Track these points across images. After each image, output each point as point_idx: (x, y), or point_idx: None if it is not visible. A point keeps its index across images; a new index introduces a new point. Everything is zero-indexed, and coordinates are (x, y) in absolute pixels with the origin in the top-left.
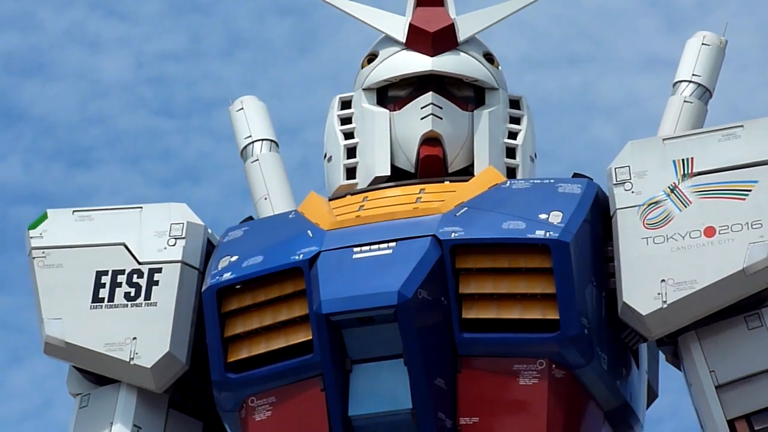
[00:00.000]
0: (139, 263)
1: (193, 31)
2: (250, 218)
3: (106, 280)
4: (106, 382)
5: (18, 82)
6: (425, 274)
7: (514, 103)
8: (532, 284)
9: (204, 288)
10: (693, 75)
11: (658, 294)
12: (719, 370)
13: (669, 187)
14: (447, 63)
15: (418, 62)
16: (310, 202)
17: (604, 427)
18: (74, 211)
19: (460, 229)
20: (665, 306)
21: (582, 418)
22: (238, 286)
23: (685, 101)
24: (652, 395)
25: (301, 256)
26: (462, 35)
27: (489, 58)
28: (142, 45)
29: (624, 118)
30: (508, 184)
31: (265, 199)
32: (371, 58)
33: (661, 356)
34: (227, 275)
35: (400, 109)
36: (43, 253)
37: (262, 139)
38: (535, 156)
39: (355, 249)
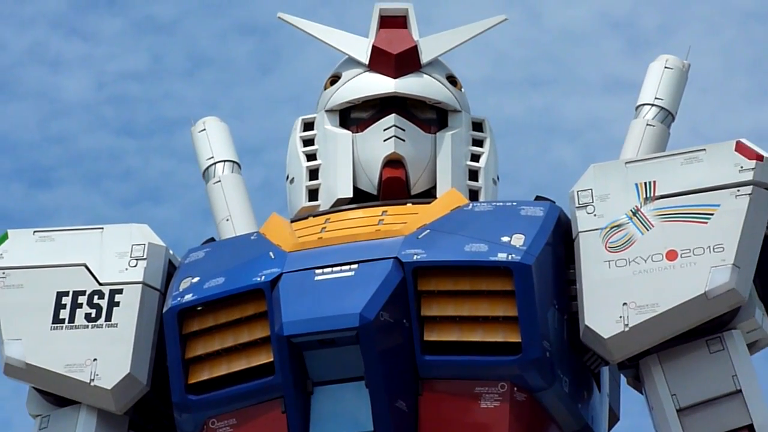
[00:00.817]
0: (100, 284)
1: (154, 51)
2: (212, 239)
3: (66, 300)
4: (67, 403)
5: None
6: (387, 296)
7: (477, 126)
8: (494, 307)
9: (165, 309)
10: (656, 98)
11: (620, 317)
12: (680, 394)
13: (631, 211)
14: (410, 85)
15: (381, 84)
16: (272, 223)
17: None
18: (35, 231)
19: (423, 251)
20: (627, 329)
21: None
22: (199, 308)
23: (647, 124)
24: (614, 418)
25: (263, 277)
26: (425, 57)
27: (452, 80)
28: (104, 64)
29: (586, 140)
30: (470, 207)
31: (227, 220)
32: (334, 79)
33: (623, 380)
34: (188, 296)
35: (362, 130)
36: (3, 273)
37: (225, 161)
38: (498, 178)
39: (317, 271)
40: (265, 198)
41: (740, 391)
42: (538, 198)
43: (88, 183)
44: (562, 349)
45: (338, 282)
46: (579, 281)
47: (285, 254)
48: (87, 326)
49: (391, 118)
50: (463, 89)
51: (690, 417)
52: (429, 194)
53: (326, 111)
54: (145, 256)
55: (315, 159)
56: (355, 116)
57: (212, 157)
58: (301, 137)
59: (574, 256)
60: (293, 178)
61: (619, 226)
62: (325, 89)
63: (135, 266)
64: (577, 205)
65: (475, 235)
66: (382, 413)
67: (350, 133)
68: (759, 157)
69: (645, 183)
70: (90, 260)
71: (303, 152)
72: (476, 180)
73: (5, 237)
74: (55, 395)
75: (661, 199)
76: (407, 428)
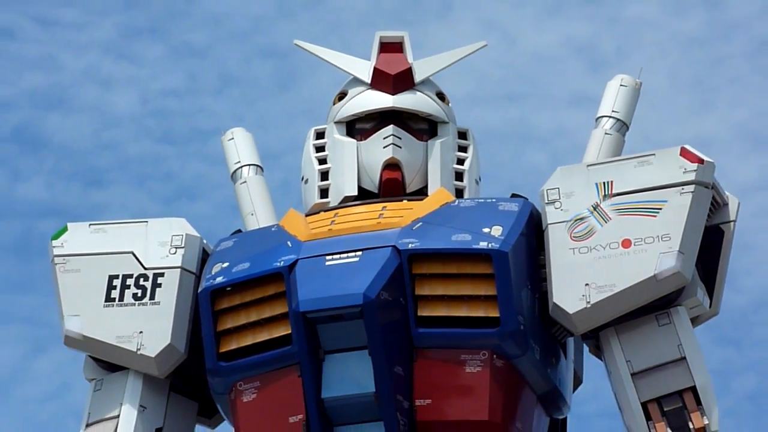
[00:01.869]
0: (145, 268)
1: (190, 72)
2: (239, 231)
3: (117, 282)
4: (117, 368)
5: (42, 114)
6: (387, 278)
7: (462, 135)
8: (477, 287)
9: (200, 290)
10: (612, 111)
11: (583, 296)
12: (634, 360)
13: (592, 206)
14: (405, 100)
15: (381, 100)
16: (289, 217)
17: (536, 408)
18: (90, 224)
19: (416, 240)
20: (589, 306)
21: (518, 399)
22: (228, 288)
23: (605, 133)
24: (578, 381)
25: (282, 263)
26: (418, 77)
27: (441, 96)
28: (148, 83)
29: (555, 147)
30: (456, 203)
31: (252, 215)
32: (341, 96)
33: (585, 348)
34: (219, 279)
35: (365, 139)
36: (64, 260)
37: (250, 164)
38: (480, 179)
39: (328, 257)
40: (284, 195)
41: (684, 358)
42: (513, 195)
43: (135, 183)
44: (534, 322)
45: (345, 266)
46: (548, 265)
47: (300, 243)
48: (134, 304)
49: (389, 129)
50: (450, 104)
51: (642, 380)
52: (422, 192)
53: (335, 122)
54: (182, 245)
55: (326, 163)
56: (359, 127)
57: (239, 162)
58: (314, 144)
59: (544, 245)
60: (307, 179)
61: (582, 219)
62: (333, 104)
63: (174, 253)
64: (546, 201)
65: (461, 226)
66: (383, 377)
67: (355, 141)
68: (700, 161)
69: (604, 182)
70: (136, 248)
71: (315, 157)
72: (461, 180)
73: (65, 229)
74: (107, 362)
75: (618, 196)
76: (403, 389)
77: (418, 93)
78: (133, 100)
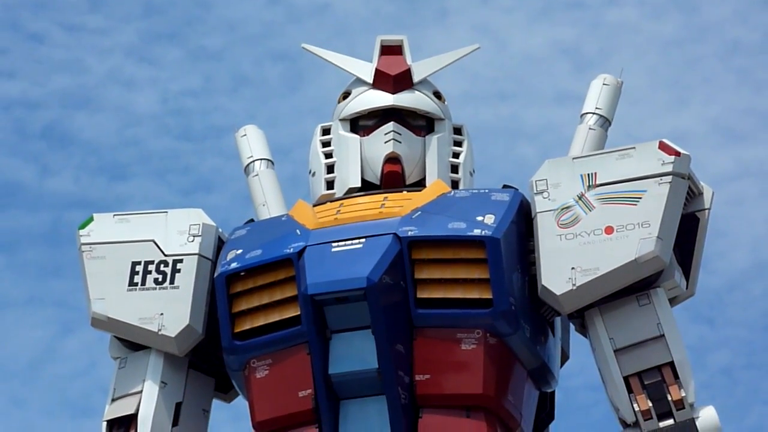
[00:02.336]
0: (165, 255)
1: (206, 74)
2: (252, 220)
3: (139, 268)
4: (139, 348)
5: (70, 113)
6: (388, 263)
7: (457, 130)
8: (471, 271)
9: (216, 274)
10: (596, 108)
11: (569, 278)
12: (617, 338)
13: (577, 196)
14: (405, 99)
15: (382, 99)
16: (298, 207)
17: (527, 382)
18: (114, 215)
19: (416, 228)
20: (575, 288)
21: (510, 374)
22: (242, 273)
23: (589, 129)
24: (565, 357)
25: (292, 249)
26: (416, 77)
27: (437, 95)
28: (167, 84)
29: (543, 141)
30: (452, 194)
31: (264, 205)
32: (345, 95)
33: (572, 327)
34: (234, 264)
35: (368, 135)
36: (90, 248)
37: (261, 159)
38: (474, 171)
39: (334, 244)
40: (293, 187)
41: (663, 335)
42: (505, 186)
43: (156, 177)
44: (524, 303)
45: (350, 252)
46: (537, 250)
47: (308, 231)
48: (155, 288)
49: (390, 125)
50: (446, 102)
51: (624, 356)
52: (420, 184)
53: (340, 120)
54: (200, 234)
55: (331, 157)
56: (362, 124)
57: (251, 156)
58: (320, 140)
59: (533, 231)
60: (314, 172)
61: (568, 207)
62: (338, 103)
63: (192, 241)
64: (535, 191)
65: (456, 215)
66: (385, 354)
67: (358, 137)
68: (677, 153)
69: (588, 174)
70: (157, 237)
71: (322, 152)
72: (457, 173)
73: (91, 219)
74: (131, 342)
75: (601, 187)
76: (404, 366)
77: (417, 92)
78: (153, 99)
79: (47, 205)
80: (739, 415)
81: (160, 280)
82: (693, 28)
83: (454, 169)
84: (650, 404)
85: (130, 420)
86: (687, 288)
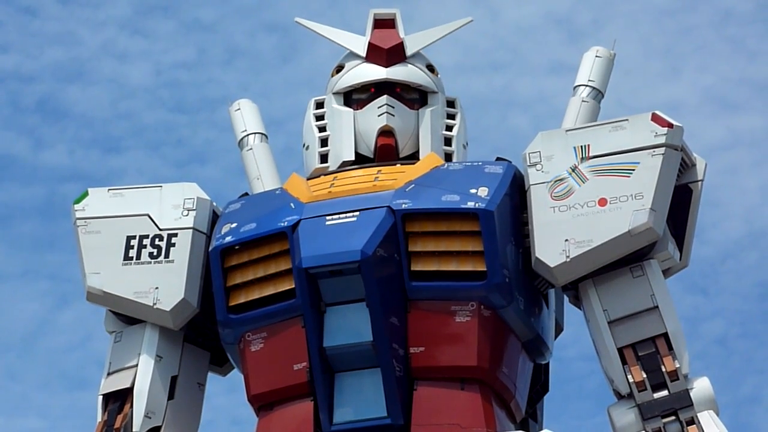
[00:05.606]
0: (160, 229)
1: (200, 46)
2: (246, 194)
3: (134, 242)
4: (135, 321)
5: (63, 86)
6: (382, 236)
7: (450, 103)
8: (465, 243)
9: (210, 248)
10: (589, 80)
11: (563, 250)
12: (611, 309)
13: (571, 168)
14: (398, 72)
15: (375, 72)
16: (292, 181)
17: (521, 354)
18: (109, 189)
19: (409, 201)
20: (568, 260)
21: (504, 346)
22: (237, 247)
23: (582, 101)
24: (559, 329)
25: (286, 223)
26: (409, 51)
27: (430, 68)
28: (160, 56)
29: (536, 112)
30: (446, 166)
31: (258, 179)
32: (339, 68)
33: (566, 298)
34: (229, 238)
35: (361, 108)
36: (85, 222)
37: (255, 133)
38: (467, 144)
39: (328, 217)
40: (287, 160)
41: (657, 307)
42: (498, 159)
43: (150, 149)
44: (518, 275)
45: (344, 226)
46: (531, 223)
47: (303, 205)
48: (150, 262)
49: (383, 98)
50: (439, 75)
51: (618, 327)
52: (414, 157)
53: (333, 93)
54: (194, 208)
55: (325, 131)
56: (356, 97)
57: (245, 130)
58: (314, 114)
59: (527, 204)
60: (308, 146)
61: (561, 179)
62: (332, 76)
63: (187, 215)
64: (528, 163)
65: (450, 188)
66: (379, 327)
67: (352, 110)
68: (670, 125)
69: (581, 146)
70: (152, 211)
71: (315, 125)
72: (450, 145)
73: (86, 194)
74: (126, 316)
75: (594, 159)
76: (399, 338)
77: (410, 65)
78: (147, 72)
79: (41, 178)
80: (733, 384)
81: (155, 254)
82: None
83: (448, 141)
84: (644, 375)
85: (126, 393)
86: (680, 259)
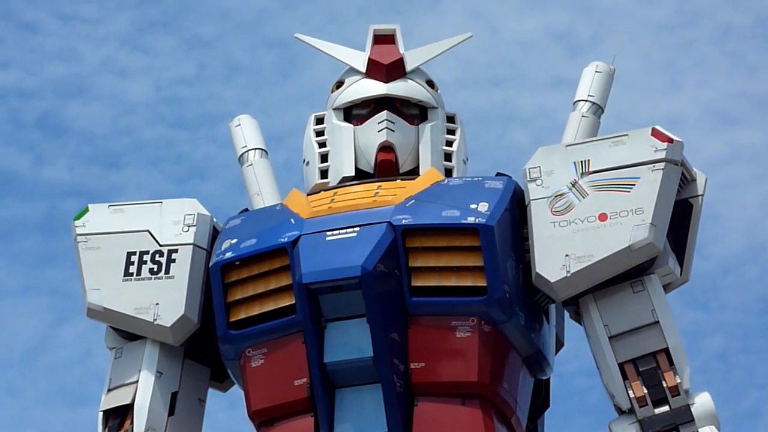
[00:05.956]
0: (160, 245)
1: (200, 62)
2: (246, 210)
3: (134, 258)
4: (135, 338)
5: (63, 102)
6: (382, 251)
7: (450, 119)
8: (465, 259)
9: (211, 264)
10: (588, 95)
11: (564, 265)
12: (611, 324)
13: (571, 183)
14: (398, 88)
15: (375, 88)
16: (292, 196)
17: (522, 369)
18: (109, 205)
19: (409, 216)
20: (569, 275)
21: (505, 362)
22: (237, 263)
23: (582, 116)
24: (560, 344)
25: (286, 238)
26: (409, 66)
27: (430, 83)
28: (161, 72)
29: (536, 127)
30: (446, 182)
31: (258, 194)
32: (339, 84)
33: (566, 314)
34: (229, 254)
35: (361, 124)
36: (86, 238)
37: (255, 148)
38: (467, 159)
39: (328, 233)
40: (287, 175)
41: (658, 322)
42: (498, 174)
43: (150, 165)
44: (518, 290)
45: (344, 241)
46: (531, 238)
47: (303, 220)
48: (150, 278)
49: (383, 114)
50: (439, 90)
51: (619, 342)
52: (414, 172)
53: (333, 109)
54: (194, 224)
55: (325, 146)
56: (356, 113)
57: (246, 146)
58: (314, 129)
59: (527, 219)
60: (308, 161)
61: (561, 195)
62: (332, 92)
63: (187, 231)
64: (528, 179)
65: (450, 203)
66: (380, 342)
67: (352, 126)
68: (670, 140)
69: (581, 161)
70: (152, 227)
71: (316, 141)
72: (450, 161)
73: (86, 210)
74: (127, 332)
75: (594, 174)
76: (399, 354)
77: (410, 81)
78: (147, 88)
79: (42, 194)
80: (734, 399)
81: (155, 270)
82: (685, 12)
83: (448, 157)
84: (645, 391)
85: (127, 410)
86: (681, 274)
